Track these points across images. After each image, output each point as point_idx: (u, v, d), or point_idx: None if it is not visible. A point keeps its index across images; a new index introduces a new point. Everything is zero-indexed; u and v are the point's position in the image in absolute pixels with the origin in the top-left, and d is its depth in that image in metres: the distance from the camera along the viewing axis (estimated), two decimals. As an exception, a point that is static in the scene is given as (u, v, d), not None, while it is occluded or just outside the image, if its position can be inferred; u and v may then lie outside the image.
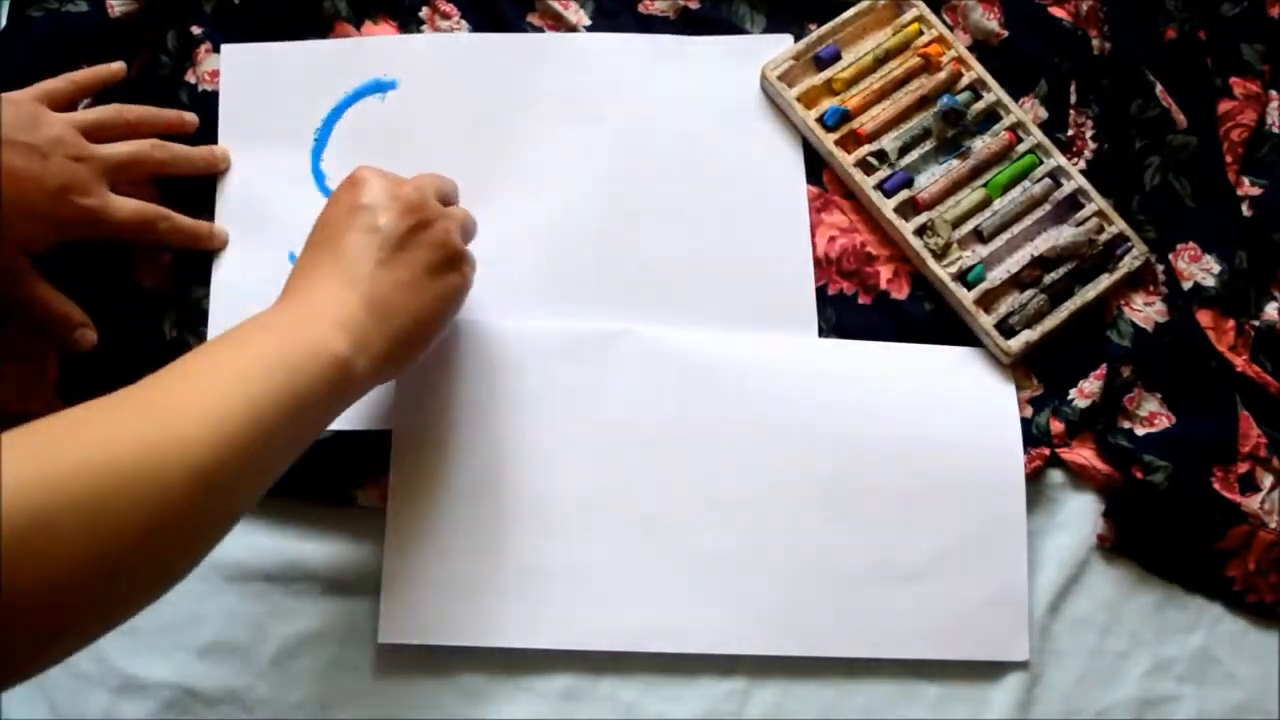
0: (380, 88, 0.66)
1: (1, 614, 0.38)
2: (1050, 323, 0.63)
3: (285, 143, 0.65)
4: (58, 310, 0.60)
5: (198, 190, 0.64)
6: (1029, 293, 0.64)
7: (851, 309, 0.65)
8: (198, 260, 0.63)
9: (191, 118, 0.65)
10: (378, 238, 0.52)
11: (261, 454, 0.45)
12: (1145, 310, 0.65)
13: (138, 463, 0.41)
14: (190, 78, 0.66)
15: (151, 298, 0.63)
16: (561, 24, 0.69)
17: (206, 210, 0.64)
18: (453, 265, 0.54)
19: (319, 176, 0.65)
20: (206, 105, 0.66)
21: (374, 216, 0.52)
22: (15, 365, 0.61)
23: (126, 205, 0.59)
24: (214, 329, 0.62)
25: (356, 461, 0.60)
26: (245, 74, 0.66)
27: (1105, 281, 0.65)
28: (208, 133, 0.65)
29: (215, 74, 0.66)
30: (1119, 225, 0.66)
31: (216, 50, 0.67)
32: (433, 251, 0.53)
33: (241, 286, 0.63)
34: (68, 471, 0.40)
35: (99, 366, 0.60)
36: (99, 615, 0.42)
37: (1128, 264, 0.65)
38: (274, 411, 0.45)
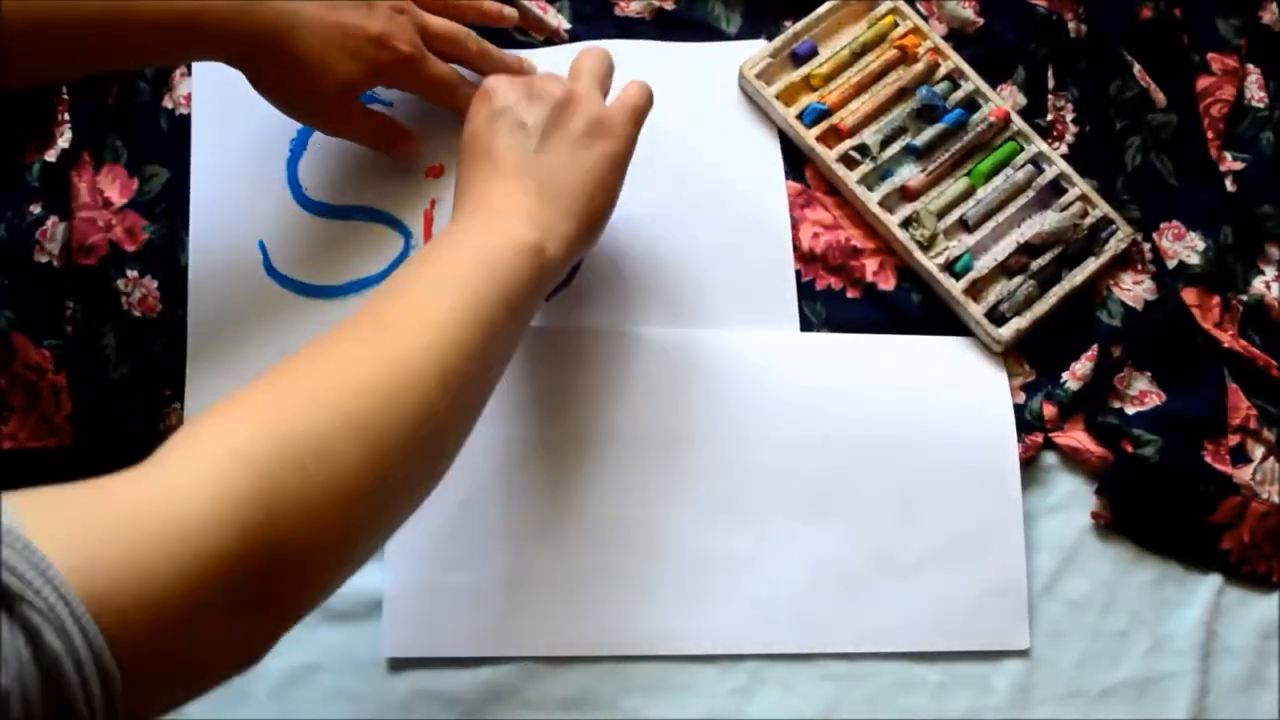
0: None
1: (297, 541, 0.40)
2: (1040, 309, 0.64)
3: (261, 153, 0.65)
4: (384, 125, 0.63)
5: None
6: (1017, 280, 0.64)
7: (841, 303, 0.65)
8: (179, 281, 0.63)
9: (511, 12, 0.66)
10: (525, 131, 0.54)
11: (489, 351, 0.49)
12: (1134, 289, 0.66)
13: (393, 378, 0.45)
14: (167, 103, 0.66)
15: (140, 324, 0.63)
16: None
17: (180, 220, 0.64)
18: (602, 130, 0.55)
19: (295, 187, 0.65)
20: (184, 130, 0.66)
21: (515, 115, 0.55)
22: (31, 403, 0.61)
23: (441, 64, 0.62)
24: (193, 342, 0.62)
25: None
26: (220, 84, 0.65)
27: (1092, 265, 0.65)
28: (183, 155, 0.65)
29: (191, 98, 0.66)
30: (1103, 209, 0.66)
31: (191, 73, 0.66)
32: (579, 122, 0.55)
33: (219, 299, 0.63)
34: (335, 396, 0.43)
35: (106, 400, 0.61)
36: (381, 530, 0.46)
37: (1113, 247, 0.65)
38: (490, 310, 0.49)
